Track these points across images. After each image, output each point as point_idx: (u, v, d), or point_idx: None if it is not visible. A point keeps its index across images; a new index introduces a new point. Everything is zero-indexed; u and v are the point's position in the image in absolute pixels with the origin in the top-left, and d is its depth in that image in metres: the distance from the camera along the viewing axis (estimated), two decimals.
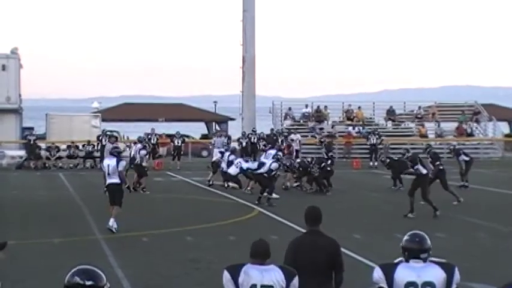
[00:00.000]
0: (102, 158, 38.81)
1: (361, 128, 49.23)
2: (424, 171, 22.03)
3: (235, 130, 51.08)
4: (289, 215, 21.01)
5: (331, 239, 8.12)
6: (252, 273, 6.84)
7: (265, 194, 24.58)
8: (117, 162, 18.79)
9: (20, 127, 46.73)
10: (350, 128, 49.34)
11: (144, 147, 29.59)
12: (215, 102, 67.68)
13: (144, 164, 28.83)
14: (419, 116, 51.88)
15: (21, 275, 14.12)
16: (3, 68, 45.69)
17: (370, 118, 52.24)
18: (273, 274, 6.84)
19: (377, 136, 42.71)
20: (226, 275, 7.02)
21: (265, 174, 25.07)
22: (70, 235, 18.49)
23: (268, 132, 43.00)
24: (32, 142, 40.58)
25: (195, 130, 56.23)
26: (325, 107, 51.97)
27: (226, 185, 29.03)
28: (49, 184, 31.86)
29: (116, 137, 28.45)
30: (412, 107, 54.03)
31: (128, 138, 50.33)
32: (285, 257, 8.08)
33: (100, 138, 39.20)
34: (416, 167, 22.13)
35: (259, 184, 25.49)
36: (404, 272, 6.70)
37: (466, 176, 29.44)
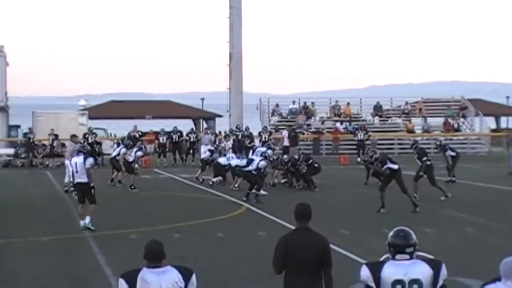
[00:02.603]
0: (93, 156, 38.86)
1: (348, 124, 49.31)
2: (396, 167, 22.03)
3: (222, 127, 51.08)
4: (277, 211, 21.05)
5: (320, 236, 8.13)
6: (149, 278, 6.68)
7: (253, 190, 24.59)
8: (84, 160, 18.65)
9: (7, 125, 46.56)
10: (338, 124, 49.39)
11: (140, 149, 29.68)
12: (202, 99, 67.59)
13: (134, 163, 29.11)
14: (406, 111, 52.01)
15: (10, 274, 14.09)
16: None
17: (358, 114, 52.33)
18: (170, 276, 6.72)
19: (364, 132, 42.78)
20: (122, 283, 6.73)
21: (254, 172, 25.07)
22: (58, 233, 18.46)
23: (260, 129, 42.93)
24: (31, 140, 40.43)
25: (182, 127, 55.93)
26: (312, 103, 52.04)
27: (211, 182, 28.88)
28: (37, 182, 31.78)
29: (77, 136, 29.12)
30: (399, 103, 54.17)
31: (115, 135, 50.23)
32: (274, 254, 8.08)
33: (86, 136, 39.10)
34: (386, 166, 22.18)
35: (247, 181, 25.50)
36: (391, 270, 6.73)
37: (452, 171, 29.50)
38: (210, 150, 31.67)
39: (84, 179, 18.59)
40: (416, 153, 25.45)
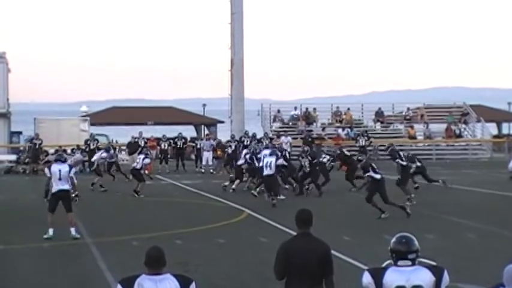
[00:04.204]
0: (90, 162, 38.85)
1: (349, 130, 49.31)
2: (378, 176, 21.91)
3: (224, 133, 51.09)
4: (279, 217, 21.01)
5: (322, 242, 8.11)
6: (146, 285, 6.64)
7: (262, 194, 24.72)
8: (70, 168, 18.77)
9: (8, 131, 46.60)
10: (339, 130, 49.40)
11: (146, 156, 29.74)
12: (204, 105, 67.59)
13: (143, 170, 29.35)
14: (408, 117, 51.99)
15: (11, 279, 14.08)
16: None
17: (359, 120, 52.34)
18: (168, 284, 6.66)
19: (366, 138, 42.79)
20: None
21: (275, 174, 25.12)
22: (59, 239, 18.42)
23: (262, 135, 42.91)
24: (37, 146, 40.37)
25: (185, 133, 55.97)
26: (314, 109, 52.04)
27: (230, 188, 28.94)
28: (38, 188, 31.73)
29: (85, 151, 30.28)
30: (401, 109, 54.15)
31: (116, 142, 50.24)
32: (275, 260, 8.07)
33: (88, 142, 39.09)
34: (368, 174, 22.21)
35: (265, 185, 25.54)
36: (393, 276, 6.71)
37: (404, 182, 27.94)
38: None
39: (67, 187, 18.55)
40: (389, 154, 25.69)
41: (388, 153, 25.44)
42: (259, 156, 28.06)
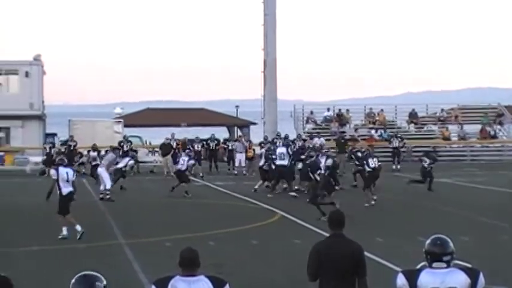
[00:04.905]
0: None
1: (383, 131, 49.10)
2: (318, 179, 22.44)
3: (257, 134, 51.11)
4: (312, 218, 20.98)
5: (355, 244, 8.08)
6: (179, 286, 6.64)
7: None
8: (73, 172, 19.52)
9: (43, 133, 46.95)
10: (372, 131, 49.21)
11: (190, 158, 29.97)
12: (237, 106, 67.69)
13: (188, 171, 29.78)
14: (442, 118, 51.64)
15: (45, 281, 14.19)
16: (27, 74, 46.00)
17: (393, 121, 52.10)
18: (202, 285, 6.64)
19: (399, 139, 42.57)
20: None
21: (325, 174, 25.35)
22: (94, 240, 18.56)
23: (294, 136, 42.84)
24: (72, 148, 40.68)
25: (217, 135, 56.15)
26: (347, 110, 51.89)
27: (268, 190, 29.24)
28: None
29: (118, 148, 30.88)
30: (435, 110, 53.81)
31: (150, 143, 50.47)
32: (308, 262, 8.05)
33: (121, 144, 39.29)
34: (316, 173, 22.55)
35: (278, 176, 26.17)
36: (428, 278, 6.66)
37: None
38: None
39: (72, 188, 19.16)
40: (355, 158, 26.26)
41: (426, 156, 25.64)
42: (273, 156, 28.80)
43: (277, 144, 31.21)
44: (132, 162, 30.77)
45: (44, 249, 17.55)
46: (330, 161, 25.24)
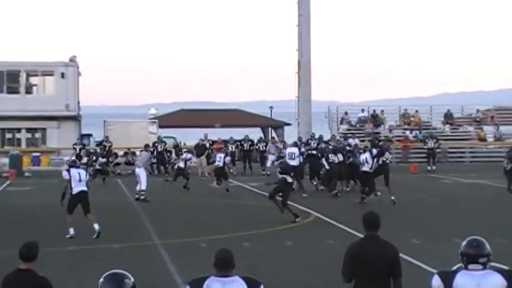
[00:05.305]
0: (158, 164, 39.25)
1: (418, 132, 48.83)
2: (290, 180, 22.43)
3: (291, 136, 51.06)
4: (347, 219, 20.92)
5: (390, 245, 8.05)
6: (214, 287, 6.66)
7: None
8: (86, 172, 20.09)
9: (79, 134, 47.32)
10: (407, 132, 48.97)
11: (227, 154, 31.26)
12: (271, 107, 67.74)
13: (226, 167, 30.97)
14: (477, 119, 51.23)
15: (80, 281, 14.28)
16: (62, 76, 46.43)
17: (428, 122, 51.79)
18: (236, 286, 6.65)
19: (435, 140, 42.31)
20: None
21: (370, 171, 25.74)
22: (129, 241, 18.67)
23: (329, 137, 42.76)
24: (107, 148, 41.00)
25: (251, 136, 56.34)
26: (382, 111, 51.70)
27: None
28: (107, 190, 32.22)
29: (149, 145, 31.72)
30: (470, 111, 53.41)
31: (184, 144, 50.66)
32: (343, 263, 8.04)
33: (156, 144, 39.49)
34: (282, 176, 22.50)
35: (361, 183, 26.52)
36: (464, 280, 6.62)
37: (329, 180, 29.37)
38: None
39: (86, 188, 19.59)
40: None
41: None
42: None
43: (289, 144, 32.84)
44: (229, 158, 31.62)
45: (80, 249, 17.68)
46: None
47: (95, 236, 18.92)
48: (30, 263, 7.72)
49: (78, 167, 20.08)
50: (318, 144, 38.69)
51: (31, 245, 7.85)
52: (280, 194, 22.33)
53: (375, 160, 25.67)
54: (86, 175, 19.94)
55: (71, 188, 19.45)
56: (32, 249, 7.80)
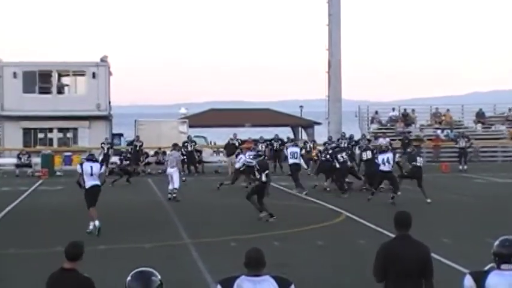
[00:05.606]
0: (188, 163, 39.32)
1: (449, 131, 48.51)
2: (264, 179, 22.40)
3: (321, 135, 50.95)
4: (377, 219, 20.82)
5: (421, 245, 8.00)
6: (245, 286, 6.63)
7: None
8: (101, 166, 20.40)
9: (110, 134, 47.55)
10: (438, 131, 48.67)
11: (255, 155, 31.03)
12: (301, 106, 67.65)
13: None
14: (510, 118, 50.78)
15: (111, 281, 14.35)
16: (94, 75, 46.68)
17: (459, 121, 51.43)
18: (267, 286, 6.62)
19: (466, 139, 42.00)
20: None
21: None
22: (160, 240, 18.72)
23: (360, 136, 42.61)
24: (137, 148, 41.18)
25: (282, 135, 56.42)
26: (413, 110, 51.44)
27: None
28: (138, 190, 32.37)
29: (178, 144, 31.72)
30: (503, 109, 52.95)
31: (215, 143, 50.73)
32: (374, 263, 8.00)
33: (185, 144, 39.59)
34: (259, 175, 22.51)
35: (390, 182, 26.38)
36: (496, 280, 6.56)
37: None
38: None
39: (98, 182, 19.93)
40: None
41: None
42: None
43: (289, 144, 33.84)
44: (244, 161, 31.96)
45: (110, 249, 17.76)
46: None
47: (88, 231, 19.38)
48: (75, 263, 7.74)
49: (92, 161, 20.27)
50: (348, 144, 38.62)
51: (76, 245, 7.88)
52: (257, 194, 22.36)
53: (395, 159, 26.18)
54: (101, 168, 20.24)
55: (84, 182, 19.85)
56: (78, 249, 7.82)
